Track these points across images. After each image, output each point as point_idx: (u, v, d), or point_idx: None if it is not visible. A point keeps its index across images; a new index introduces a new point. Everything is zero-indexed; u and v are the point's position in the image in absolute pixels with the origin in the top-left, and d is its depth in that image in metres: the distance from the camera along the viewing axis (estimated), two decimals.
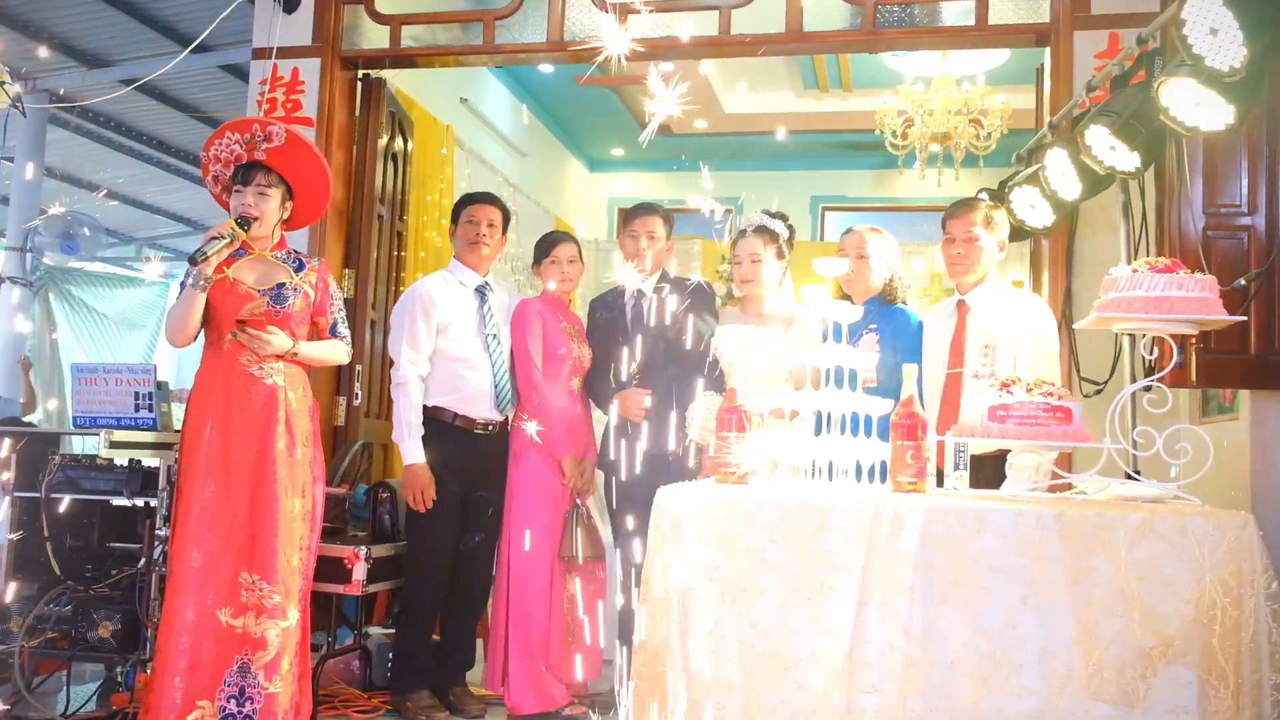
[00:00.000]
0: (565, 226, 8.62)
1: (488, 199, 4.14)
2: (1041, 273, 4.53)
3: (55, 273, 9.79)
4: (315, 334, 3.59)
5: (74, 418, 3.76)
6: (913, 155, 7.33)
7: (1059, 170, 3.93)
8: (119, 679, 3.69)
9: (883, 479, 2.78)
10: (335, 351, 3.62)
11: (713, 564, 2.53)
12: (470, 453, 3.93)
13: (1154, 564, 2.34)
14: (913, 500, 2.51)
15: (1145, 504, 2.51)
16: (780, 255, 3.92)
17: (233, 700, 3.28)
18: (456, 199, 4.36)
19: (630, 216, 4.12)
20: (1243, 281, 3.09)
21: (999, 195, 4.37)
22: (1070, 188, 3.90)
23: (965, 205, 3.61)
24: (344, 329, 3.64)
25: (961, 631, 2.41)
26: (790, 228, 3.97)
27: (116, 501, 3.83)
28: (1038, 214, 4.19)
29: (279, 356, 3.44)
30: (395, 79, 5.32)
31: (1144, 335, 2.78)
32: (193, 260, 3.30)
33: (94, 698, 3.76)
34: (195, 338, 3.45)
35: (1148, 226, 3.83)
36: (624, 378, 3.93)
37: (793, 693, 2.43)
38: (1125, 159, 3.51)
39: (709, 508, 2.57)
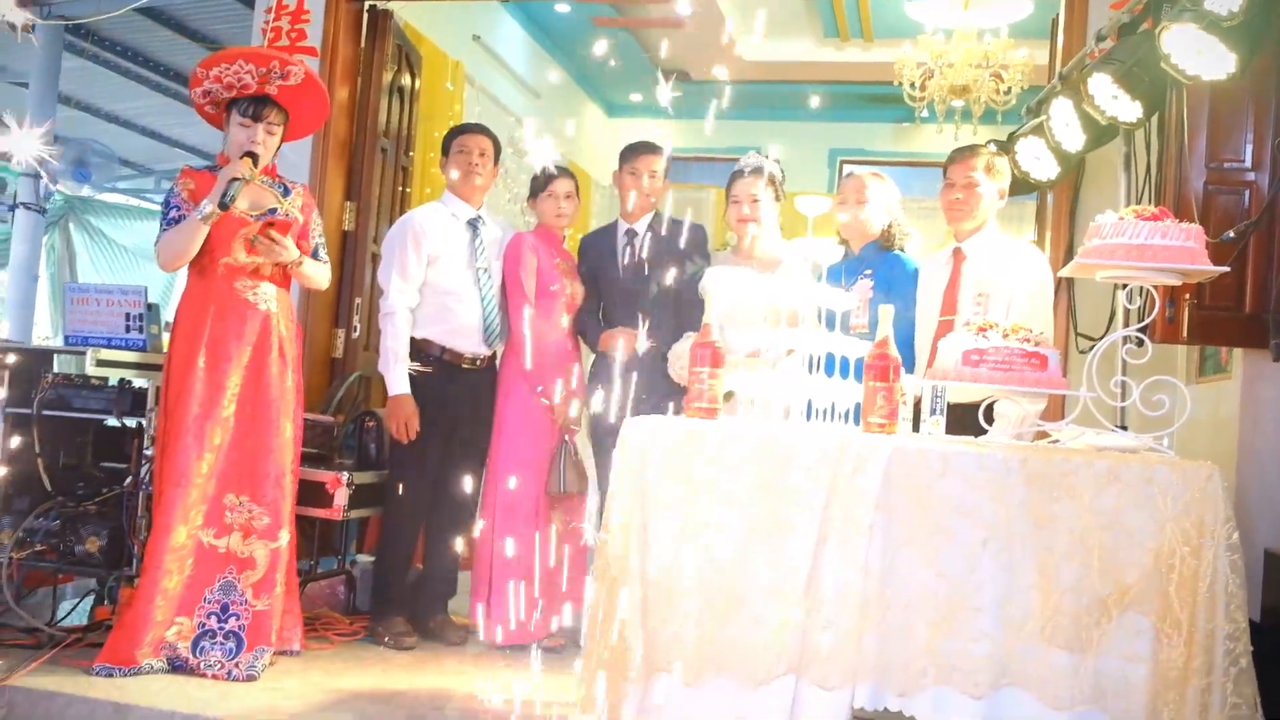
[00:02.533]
0: (580, 171, 8.59)
1: (478, 129, 4.11)
2: (1045, 227, 4.47)
3: (75, 203, 9.85)
4: None
5: (65, 337, 3.80)
6: (931, 109, 7.23)
7: (1063, 121, 3.86)
8: (104, 593, 3.75)
9: (856, 420, 2.78)
10: (322, 273, 3.67)
11: (675, 497, 2.54)
12: (456, 385, 3.93)
13: (1117, 512, 2.34)
14: (878, 440, 2.52)
15: (1115, 453, 2.49)
16: (777, 198, 3.91)
17: (213, 617, 3.34)
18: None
19: (632, 154, 4.09)
20: (1231, 234, 3.04)
21: (1007, 147, 4.31)
22: (1074, 139, 3.84)
23: (967, 151, 3.56)
24: (324, 255, 3.69)
25: (920, 573, 2.43)
26: (782, 171, 3.94)
27: (110, 421, 3.87)
28: (1042, 166, 4.13)
29: (283, 268, 3.51)
30: (403, 11, 5.27)
31: (1125, 286, 2.74)
32: (223, 207, 3.34)
33: (78, 610, 3.83)
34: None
35: (1151, 180, 3.77)
36: (613, 316, 3.92)
37: (749, 627, 2.46)
38: (1127, 109, 3.45)
39: (674, 441, 2.58)
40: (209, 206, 3.37)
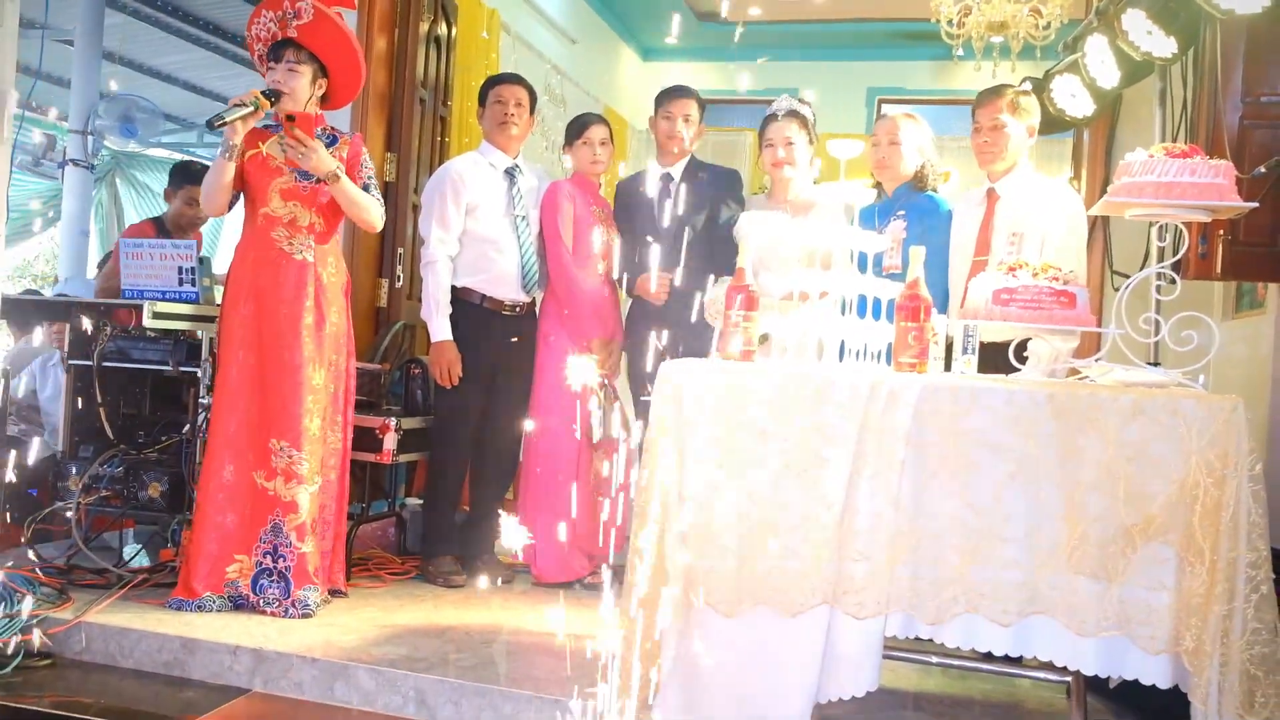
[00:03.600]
0: (616, 117, 8.58)
1: (514, 79, 4.17)
2: (1081, 165, 4.47)
3: (120, 158, 10.01)
4: None
5: (123, 290, 3.93)
6: (969, 46, 7.15)
7: (1098, 58, 3.86)
8: (167, 536, 3.92)
9: (888, 360, 2.84)
10: (370, 202, 3.64)
11: (713, 435, 2.61)
12: (496, 333, 4.03)
13: (1143, 445, 2.38)
14: (909, 378, 2.57)
15: (1142, 388, 2.54)
16: (810, 141, 3.95)
17: (268, 556, 3.49)
18: None
19: (666, 98, 4.14)
20: (1263, 169, 3.04)
21: (1042, 85, 4.30)
22: (1108, 75, 3.83)
23: (991, 92, 3.57)
24: (376, 192, 3.71)
25: (950, 505, 2.49)
26: (814, 114, 3.97)
27: (168, 371, 4.02)
28: (1078, 103, 4.13)
29: (326, 217, 3.58)
30: None
31: (1155, 224, 2.77)
32: (210, 125, 3.37)
33: (143, 551, 4.01)
34: (228, 206, 3.59)
35: (1187, 116, 3.76)
36: (648, 261, 4.00)
37: (784, 559, 2.53)
38: (1161, 44, 3.44)
39: (710, 381, 2.64)
40: (223, 145, 3.44)
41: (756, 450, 2.58)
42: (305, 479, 3.49)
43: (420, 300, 4.13)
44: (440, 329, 3.95)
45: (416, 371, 4.30)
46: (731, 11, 8.40)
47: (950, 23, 7.12)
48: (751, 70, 8.78)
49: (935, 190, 3.84)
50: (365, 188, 3.68)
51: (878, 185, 3.91)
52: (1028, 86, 3.76)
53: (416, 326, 4.98)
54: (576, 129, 4.14)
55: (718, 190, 4.03)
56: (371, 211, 3.67)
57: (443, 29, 5.46)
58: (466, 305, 4.01)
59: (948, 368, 2.88)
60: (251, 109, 3.44)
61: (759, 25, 8.94)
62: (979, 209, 3.60)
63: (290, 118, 3.45)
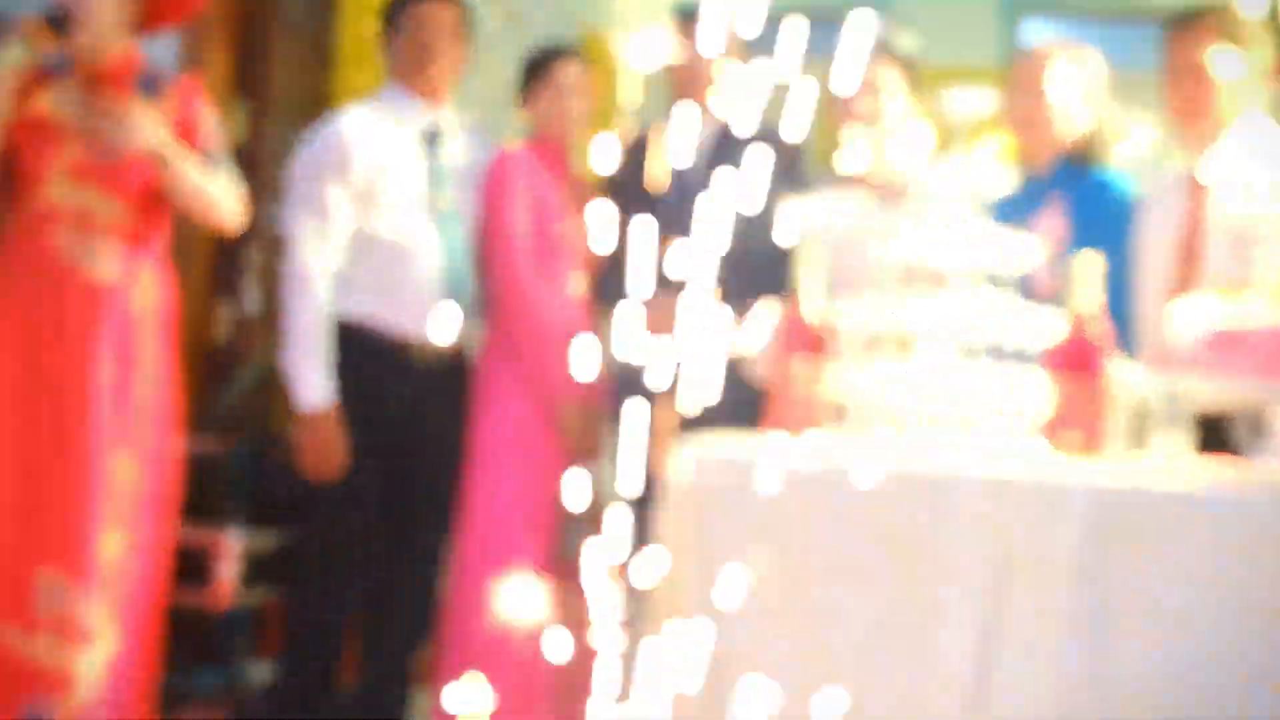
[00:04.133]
0: (601, 46, 8.58)
1: None
2: None
3: None
4: None
5: None
6: None
7: None
8: None
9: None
10: (221, 188, 3.70)
11: (760, 571, 2.58)
12: (407, 392, 4.02)
13: None
14: (1078, 469, 2.54)
15: None
16: (911, 88, 4.01)
17: None
18: None
19: (688, 18, 4.17)
20: None
21: None
22: None
23: (1190, 15, 3.58)
24: (226, 169, 3.78)
25: (1154, 682, 2.44)
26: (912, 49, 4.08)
27: None
28: None
29: (143, 210, 3.60)
30: None
31: None
32: None
33: None
34: None
35: None
36: (656, 276, 3.97)
37: None
38: None
39: (754, 479, 2.62)
40: None
41: (832, 593, 2.55)
42: (91, 636, 3.44)
43: (282, 337, 4.10)
44: (313, 386, 3.91)
45: (274, 454, 4.25)
46: None
47: None
48: None
49: (1112, 164, 3.86)
50: (210, 157, 3.69)
51: (1021, 160, 3.89)
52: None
53: (275, 377, 4.95)
54: (538, 69, 4.17)
55: (766, 162, 4.01)
56: (221, 201, 3.71)
57: None
58: (357, 347, 3.99)
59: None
60: (18, 50, 3.46)
61: None
62: (1182, 200, 3.60)
63: (95, 72, 3.51)
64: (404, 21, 4.12)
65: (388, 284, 4.01)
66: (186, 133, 3.67)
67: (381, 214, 4.01)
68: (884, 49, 3.93)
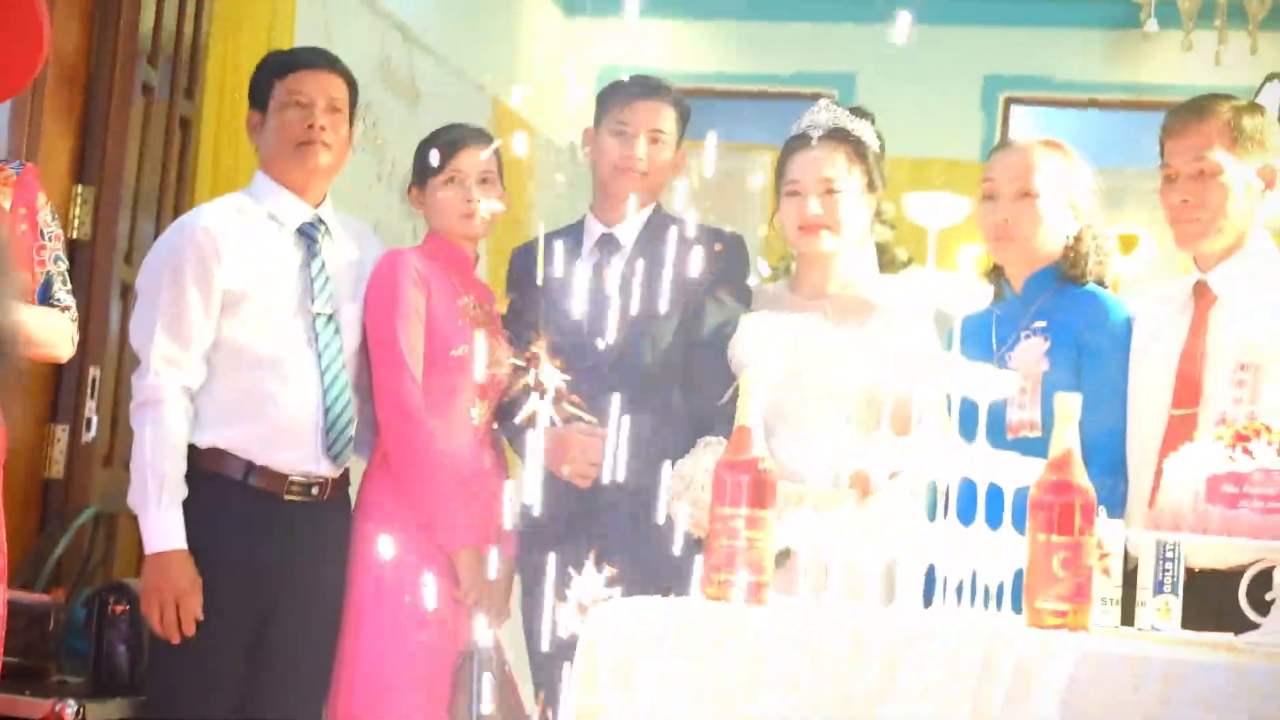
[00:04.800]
0: (515, 121, 8.65)
1: (321, 60, 4.20)
2: None
3: None
4: None
5: None
6: (1171, 6, 7.36)
7: None
8: None
9: (1016, 603, 2.85)
10: (57, 328, 3.66)
11: None
12: (276, 531, 3.99)
13: None
14: (1056, 641, 2.57)
15: None
16: (871, 186, 4.04)
17: None
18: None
19: (619, 98, 4.24)
20: None
21: None
22: None
23: (1192, 110, 3.63)
24: (65, 294, 3.73)
25: None
26: (880, 137, 4.08)
27: None
28: None
29: None
30: None
31: None
32: None
33: None
34: None
35: None
36: (570, 404, 4.00)
37: None
38: None
39: (682, 647, 2.64)
40: None
41: None
42: None
43: (129, 470, 4.09)
44: (163, 525, 3.90)
45: (120, 609, 4.22)
46: None
47: None
48: (772, 40, 8.95)
49: (1102, 281, 3.89)
50: (48, 282, 3.67)
51: (995, 272, 3.97)
52: (1273, 92, 3.85)
53: (120, 518, 4.93)
54: (438, 153, 4.16)
55: (705, 269, 4.05)
56: (57, 343, 3.69)
57: None
58: (218, 484, 3.97)
59: (1127, 619, 2.90)
60: None
61: None
62: (1181, 318, 3.66)
63: None
64: (277, 98, 4.11)
65: (254, 405, 3.98)
66: (25, 236, 3.62)
67: (249, 324, 3.98)
68: (840, 137, 3.97)
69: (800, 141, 3.99)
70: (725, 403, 3.75)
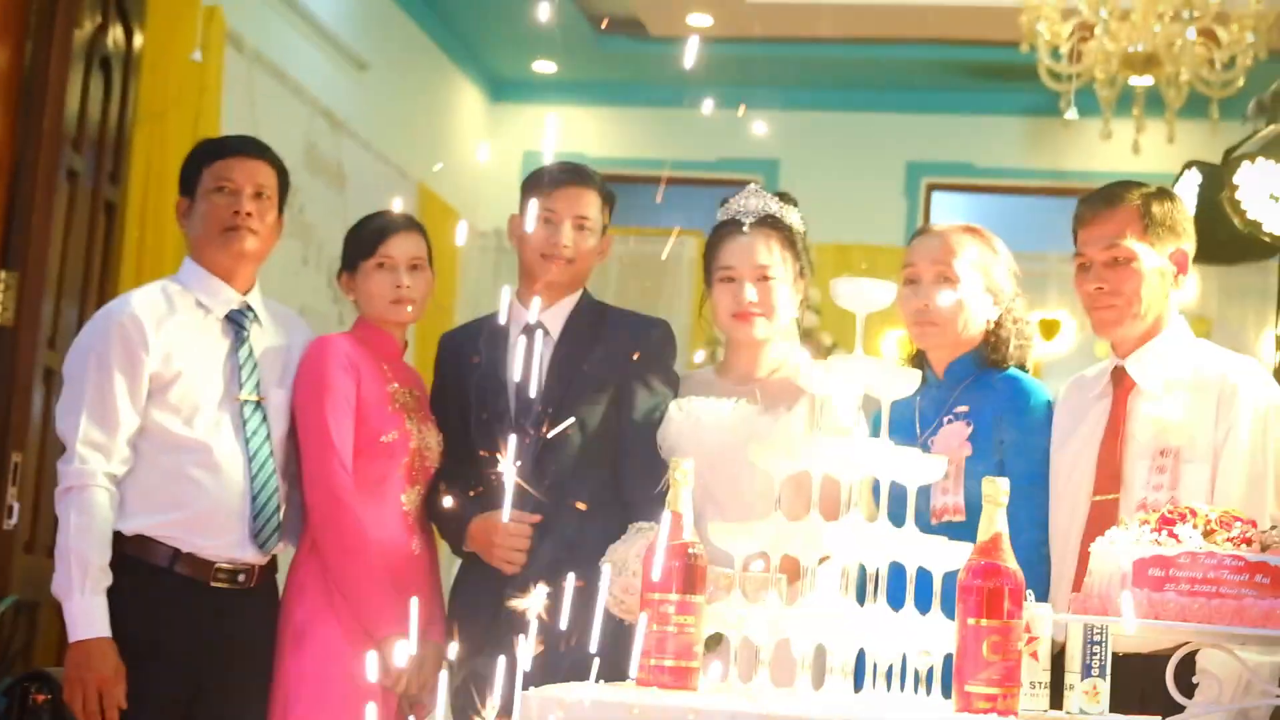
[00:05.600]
0: (441, 208, 8.69)
1: (250, 148, 4.22)
2: None
3: None
4: None
5: None
6: (1090, 93, 7.48)
7: None
8: None
9: (946, 687, 2.89)
10: None
11: None
12: (202, 620, 3.97)
13: None
14: None
15: None
16: (801, 273, 4.10)
17: None
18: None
19: (544, 185, 4.22)
20: None
21: (1220, 177, 4.53)
22: None
23: (1104, 199, 3.73)
24: None
25: None
26: (803, 222, 4.14)
27: None
28: None
29: None
30: None
31: None
32: None
33: None
34: None
35: None
36: (496, 488, 3.98)
37: None
38: None
39: None
40: None
41: None
42: None
43: (52, 557, 4.08)
44: (89, 615, 3.85)
45: (42, 698, 4.18)
46: (663, 22, 8.70)
47: (1056, 54, 7.47)
48: (698, 127, 9.01)
49: (1023, 365, 3.96)
50: None
51: (917, 358, 4.02)
52: (1192, 179, 3.94)
53: (43, 607, 4.90)
54: (368, 239, 4.19)
55: (630, 356, 4.10)
56: None
57: (118, 39, 5.51)
58: (143, 571, 3.95)
59: (1056, 703, 2.93)
60: None
61: (712, 45, 9.22)
62: (1102, 403, 3.74)
63: None
64: (205, 184, 4.13)
65: (180, 492, 3.96)
66: None
67: (176, 411, 3.98)
68: (771, 224, 4.02)
69: (731, 227, 4.03)
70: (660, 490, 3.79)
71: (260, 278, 4.27)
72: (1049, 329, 7.59)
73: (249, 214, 4.11)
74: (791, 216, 4.08)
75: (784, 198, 4.12)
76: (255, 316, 4.17)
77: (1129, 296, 3.65)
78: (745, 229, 4.03)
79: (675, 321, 4.70)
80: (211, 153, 4.23)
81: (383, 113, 8.35)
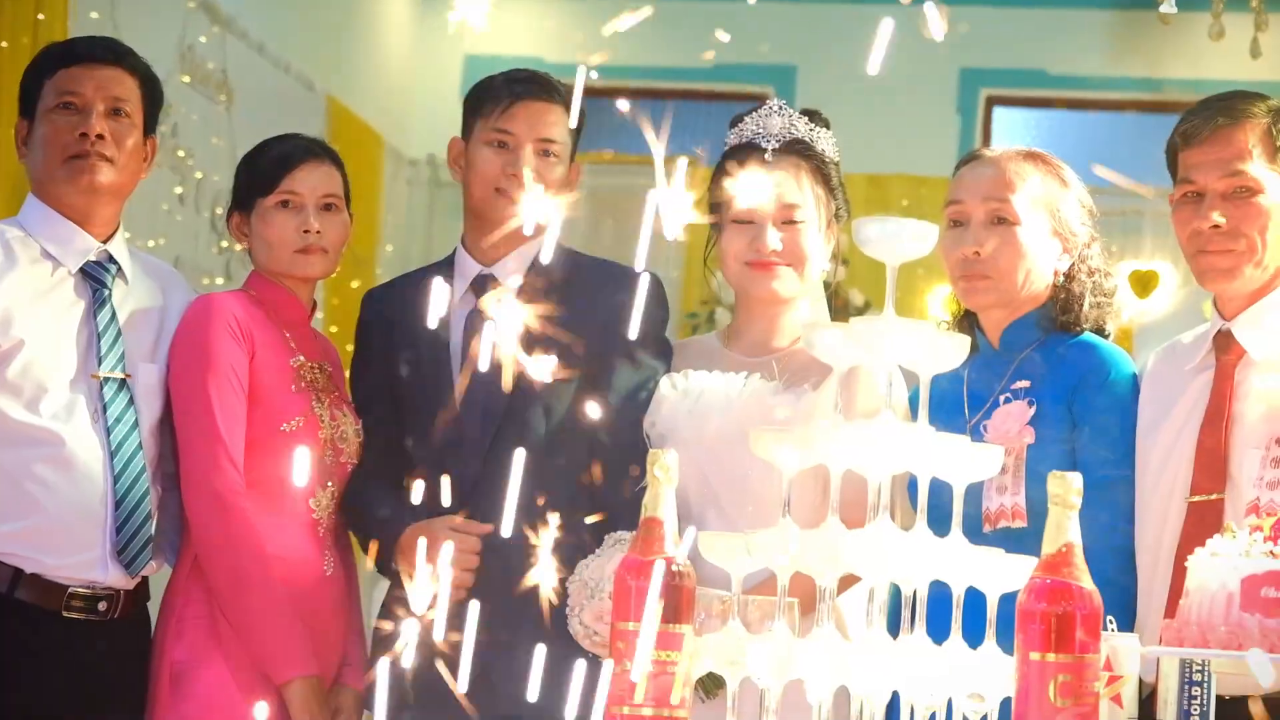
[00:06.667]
0: (361, 130, 8.67)
1: (103, 52, 4.17)
2: None
3: None
4: None
5: None
6: None
7: None
8: None
9: None
10: None
11: None
12: (50, 666, 3.93)
13: None
14: None
15: None
16: (837, 215, 4.08)
17: None
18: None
19: (492, 101, 4.23)
20: None
21: None
22: None
23: (1222, 112, 3.60)
24: None
25: None
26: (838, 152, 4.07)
27: None
28: None
29: None
30: None
31: None
32: None
33: None
34: None
35: None
36: (434, 486, 3.97)
37: None
38: None
39: None
40: None
41: None
42: None
43: None
44: None
45: None
46: None
47: None
48: (690, 24, 8.99)
49: (1102, 329, 3.92)
50: None
51: (966, 320, 3.98)
52: None
53: None
54: (266, 170, 4.16)
55: (609, 318, 4.04)
56: None
57: None
58: None
59: None
60: None
61: None
62: (1201, 379, 3.67)
63: None
64: (47, 99, 4.06)
65: (22, 496, 3.90)
66: None
67: (15, 393, 3.91)
68: (799, 149, 4.03)
69: (747, 154, 3.96)
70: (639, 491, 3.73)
71: (125, 220, 4.17)
72: (1143, 283, 7.55)
73: (100, 136, 4.01)
74: (824, 142, 4.03)
75: (814, 117, 4.05)
76: (119, 270, 4.08)
77: (1251, 239, 3.56)
78: (768, 156, 3.94)
79: (662, 276, 4.63)
80: (54, 60, 4.14)
81: (281, 8, 8.28)
